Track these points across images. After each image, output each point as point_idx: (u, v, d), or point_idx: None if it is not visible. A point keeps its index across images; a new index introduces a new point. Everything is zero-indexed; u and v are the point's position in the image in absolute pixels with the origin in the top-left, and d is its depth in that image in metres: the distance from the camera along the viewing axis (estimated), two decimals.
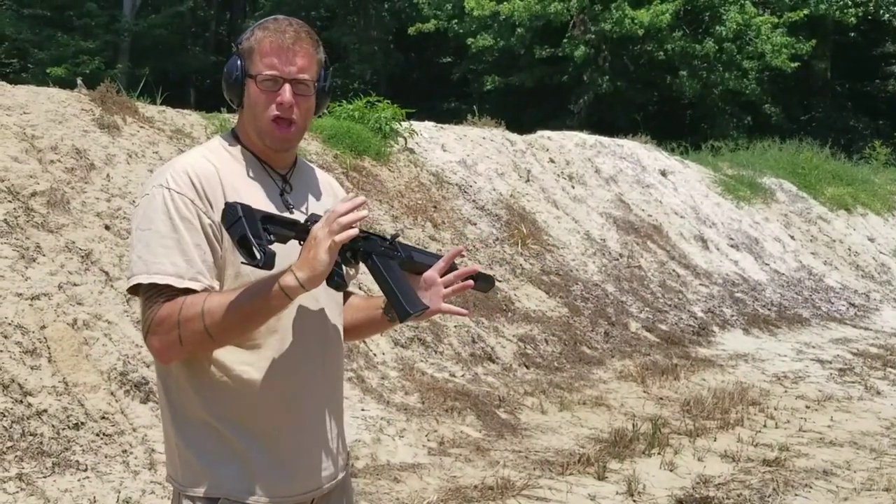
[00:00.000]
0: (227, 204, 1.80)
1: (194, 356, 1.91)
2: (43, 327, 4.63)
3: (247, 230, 1.75)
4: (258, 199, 1.94)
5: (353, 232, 1.81)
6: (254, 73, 1.95)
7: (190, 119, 7.53)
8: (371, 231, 2.10)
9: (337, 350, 2.10)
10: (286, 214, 1.95)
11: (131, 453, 4.27)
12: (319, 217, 1.87)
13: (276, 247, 1.78)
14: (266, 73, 1.94)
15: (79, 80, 7.14)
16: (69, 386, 4.43)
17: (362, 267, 2.03)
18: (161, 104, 7.78)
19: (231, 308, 1.82)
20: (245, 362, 1.93)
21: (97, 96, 6.74)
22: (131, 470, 4.16)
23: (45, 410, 4.25)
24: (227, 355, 1.92)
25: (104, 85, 6.90)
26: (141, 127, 6.79)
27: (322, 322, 2.04)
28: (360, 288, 5.60)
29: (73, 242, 5.24)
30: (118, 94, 6.92)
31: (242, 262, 1.80)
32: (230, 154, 2.01)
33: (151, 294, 1.86)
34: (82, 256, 5.19)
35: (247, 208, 1.79)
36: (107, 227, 5.53)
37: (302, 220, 1.90)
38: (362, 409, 5.36)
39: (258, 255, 1.73)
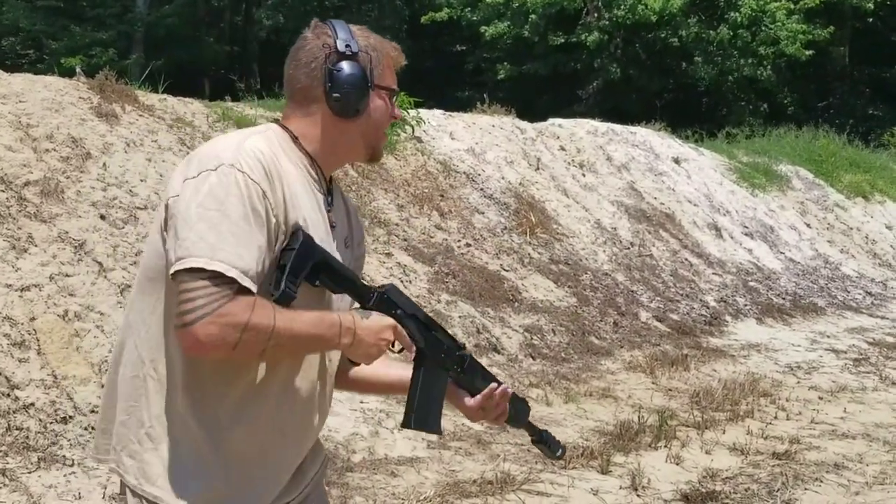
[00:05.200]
0: (294, 229, 1.74)
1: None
2: (33, 319, 4.54)
3: (289, 263, 1.71)
4: (313, 210, 1.82)
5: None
6: (383, 84, 1.89)
7: (192, 108, 7.43)
8: (445, 335, 2.01)
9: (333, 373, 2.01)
10: (344, 266, 1.86)
11: None
12: (390, 290, 1.89)
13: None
14: (394, 86, 1.92)
15: (78, 69, 7.06)
16: (58, 379, 4.34)
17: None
18: (165, 93, 7.68)
19: (296, 335, 1.72)
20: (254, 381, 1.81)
21: (95, 84, 6.66)
22: None
23: (33, 404, 4.17)
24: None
25: (103, 73, 6.81)
26: (140, 115, 6.69)
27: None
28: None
29: (67, 232, 5.15)
30: (117, 82, 6.82)
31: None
32: (289, 154, 1.82)
33: (213, 282, 1.64)
34: (75, 247, 5.10)
35: (305, 245, 1.73)
36: (102, 217, 5.44)
37: (360, 283, 1.87)
38: (361, 402, 5.25)
39: (279, 289, 1.70)
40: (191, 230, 1.65)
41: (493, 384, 2.06)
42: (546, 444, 2.25)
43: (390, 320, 1.86)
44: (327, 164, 1.89)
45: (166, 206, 1.73)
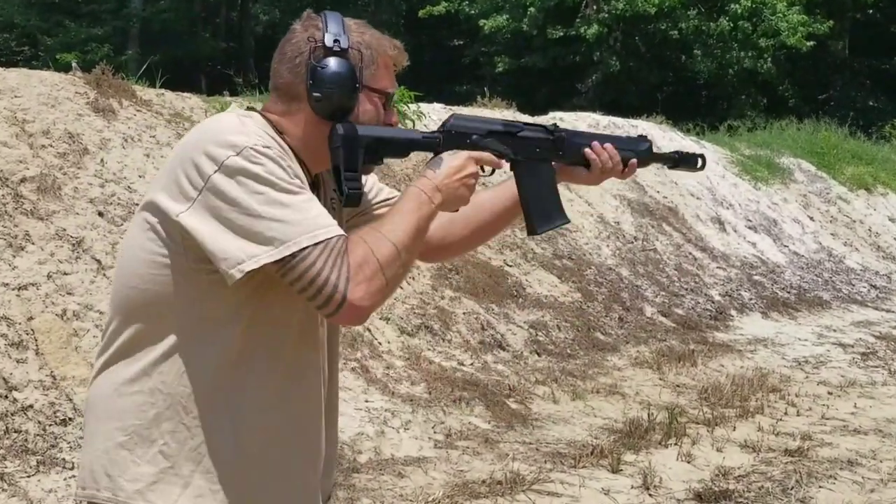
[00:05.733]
0: (333, 125, 1.69)
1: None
2: (30, 318, 4.44)
3: (341, 161, 1.68)
4: None
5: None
6: (375, 86, 1.75)
7: (189, 102, 7.32)
8: (527, 124, 1.94)
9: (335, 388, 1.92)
10: (397, 129, 1.80)
11: None
12: (452, 124, 1.82)
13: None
14: (389, 89, 1.78)
15: (73, 63, 6.95)
16: (57, 380, 4.24)
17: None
18: (161, 87, 7.57)
19: (409, 232, 1.65)
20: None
21: (92, 79, 6.54)
22: None
23: (31, 406, 4.06)
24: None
25: (100, 67, 6.69)
26: (138, 110, 6.58)
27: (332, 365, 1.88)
28: None
29: (64, 230, 5.05)
30: (114, 77, 6.71)
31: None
32: (279, 144, 1.69)
33: (321, 250, 1.56)
34: (73, 244, 4.99)
35: (348, 136, 1.67)
36: (100, 214, 5.33)
37: (419, 137, 1.80)
38: (366, 401, 5.15)
39: (343, 192, 1.68)
40: (260, 221, 1.56)
41: (588, 147, 1.99)
42: (683, 162, 2.20)
43: (464, 153, 1.79)
44: (311, 163, 1.76)
45: (176, 219, 1.60)
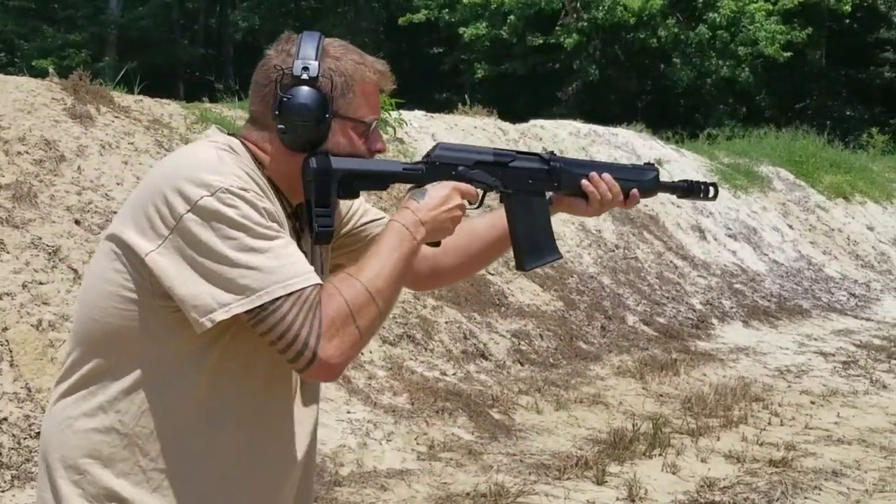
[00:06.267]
0: (306, 158, 1.61)
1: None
2: (5, 329, 4.34)
3: (312, 195, 1.60)
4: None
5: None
6: (351, 115, 1.65)
7: (169, 109, 7.23)
8: (519, 153, 1.85)
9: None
10: (377, 162, 1.71)
11: None
12: (438, 155, 1.74)
13: None
14: (367, 118, 1.67)
15: (50, 69, 6.84)
16: (32, 392, 4.14)
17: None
18: (140, 94, 7.48)
19: (388, 275, 1.56)
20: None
21: (69, 85, 6.44)
22: None
23: (6, 419, 3.97)
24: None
25: (77, 73, 6.59)
26: (116, 117, 6.49)
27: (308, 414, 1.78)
28: None
29: (40, 238, 4.95)
30: (92, 83, 6.61)
31: None
32: (258, 182, 1.60)
33: (294, 300, 1.48)
34: (49, 253, 4.90)
35: (321, 169, 1.59)
36: (77, 222, 5.24)
37: (400, 168, 1.72)
38: (348, 412, 5.08)
39: (313, 229, 1.62)
40: (233, 268, 1.48)
41: (585, 178, 1.90)
42: (694, 192, 2.11)
43: (450, 184, 1.71)
44: (290, 194, 1.67)
45: (144, 258, 1.51)
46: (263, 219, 1.52)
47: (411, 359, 6.08)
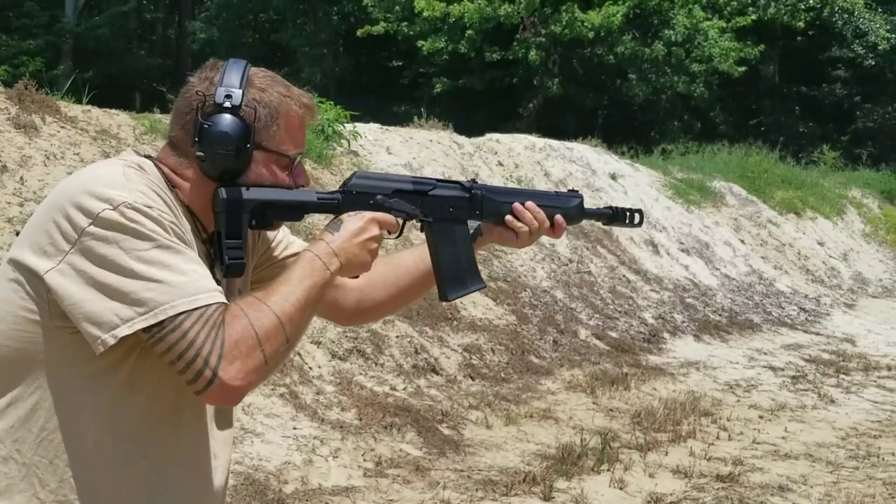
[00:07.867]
0: (216, 189, 1.57)
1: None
2: None
3: (222, 227, 1.56)
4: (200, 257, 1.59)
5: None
6: (274, 148, 1.61)
7: (118, 119, 7.14)
8: (440, 181, 1.82)
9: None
10: (291, 192, 1.65)
11: None
12: (354, 184, 1.70)
13: None
14: (290, 151, 1.64)
15: None
16: None
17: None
18: (91, 104, 7.36)
19: (298, 303, 1.50)
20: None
21: (14, 94, 6.33)
22: None
23: None
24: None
25: (22, 82, 6.48)
26: (62, 127, 6.39)
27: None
28: None
29: None
30: (38, 92, 6.51)
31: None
32: (166, 201, 1.55)
33: (197, 317, 1.43)
34: None
35: (231, 200, 1.54)
36: (17, 234, 5.13)
37: (314, 198, 1.66)
38: (294, 428, 5.02)
39: (223, 262, 1.57)
40: (134, 280, 1.42)
41: (510, 213, 1.87)
42: (619, 219, 2.09)
43: (366, 214, 1.66)
44: (206, 221, 1.63)
45: (43, 276, 1.45)
46: (168, 233, 1.47)
47: (361, 373, 6.03)
